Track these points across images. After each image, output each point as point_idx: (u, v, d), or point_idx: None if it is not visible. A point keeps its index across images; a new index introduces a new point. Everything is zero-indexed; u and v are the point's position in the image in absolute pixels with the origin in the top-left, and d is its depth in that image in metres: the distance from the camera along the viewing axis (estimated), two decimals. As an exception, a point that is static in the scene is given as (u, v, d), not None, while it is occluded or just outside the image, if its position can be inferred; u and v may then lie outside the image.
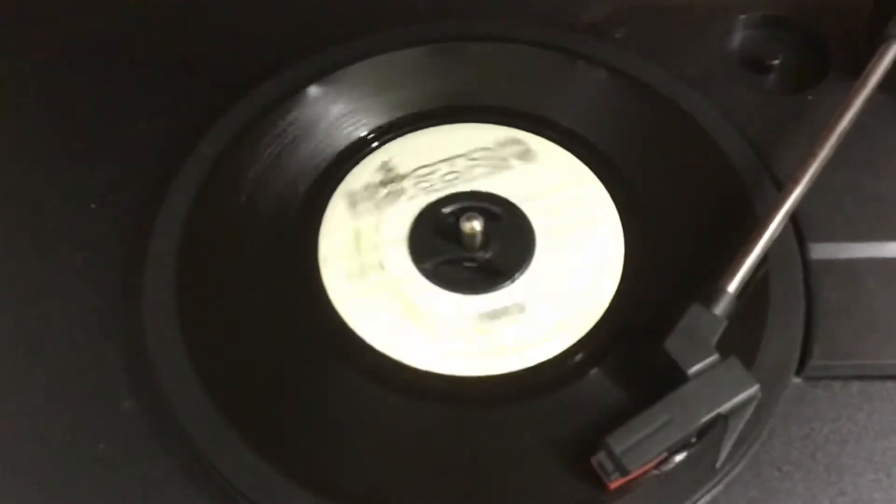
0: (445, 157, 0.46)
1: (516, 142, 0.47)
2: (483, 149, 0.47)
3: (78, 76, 0.51)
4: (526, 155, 0.47)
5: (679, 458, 0.36)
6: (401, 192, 0.45)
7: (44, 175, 0.47)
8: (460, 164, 0.46)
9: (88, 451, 0.39)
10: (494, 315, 0.42)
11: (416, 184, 0.45)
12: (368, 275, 0.43)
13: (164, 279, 0.41)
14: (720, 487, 0.37)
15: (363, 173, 0.46)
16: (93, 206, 0.46)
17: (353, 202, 0.45)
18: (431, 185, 0.45)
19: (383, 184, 0.46)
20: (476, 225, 0.42)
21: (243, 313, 0.42)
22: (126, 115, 0.49)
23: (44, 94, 0.50)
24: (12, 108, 0.50)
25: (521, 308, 0.42)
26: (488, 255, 0.43)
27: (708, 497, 0.37)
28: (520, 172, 0.46)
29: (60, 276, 0.43)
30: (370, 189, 0.45)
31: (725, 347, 0.37)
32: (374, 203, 0.45)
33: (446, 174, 0.46)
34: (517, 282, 0.42)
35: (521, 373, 0.40)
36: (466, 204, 0.44)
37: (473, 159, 0.46)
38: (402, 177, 0.46)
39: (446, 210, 0.44)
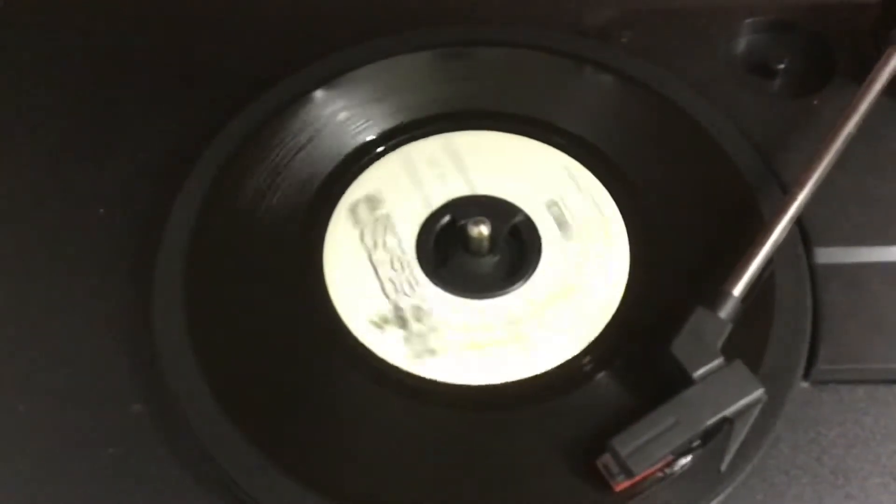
0: (451, 161, 0.47)
1: (521, 147, 0.47)
2: (488, 154, 0.47)
3: (85, 81, 0.51)
4: (531, 159, 0.47)
5: (684, 461, 0.36)
6: (407, 197, 0.45)
7: (52, 180, 0.47)
8: (466, 167, 0.46)
9: (97, 455, 0.39)
10: (500, 320, 0.42)
11: (421, 188, 0.46)
12: (375, 280, 0.43)
13: (172, 284, 0.41)
14: (727, 491, 0.37)
15: (370, 178, 0.46)
16: (101, 211, 0.46)
17: (359, 207, 0.45)
18: (438, 190, 0.45)
19: (390, 189, 0.46)
20: (483, 229, 0.42)
21: (251, 318, 0.42)
22: (133, 121, 0.49)
23: (51, 99, 0.50)
24: (20, 112, 0.50)
25: (526, 313, 0.42)
26: (495, 259, 0.43)
27: (715, 501, 0.37)
28: (526, 177, 0.46)
29: (69, 281, 0.43)
30: (376, 194, 0.46)
31: (732, 351, 0.37)
32: (381, 208, 0.45)
33: (452, 178, 0.46)
34: (523, 287, 0.42)
35: (527, 379, 0.40)
36: (473, 208, 0.44)
37: (480, 164, 0.46)
38: (408, 181, 0.46)
39: (453, 214, 0.44)
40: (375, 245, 0.44)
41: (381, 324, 0.41)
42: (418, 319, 0.42)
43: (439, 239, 0.44)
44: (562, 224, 0.44)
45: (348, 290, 0.43)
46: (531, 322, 0.41)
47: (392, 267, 0.43)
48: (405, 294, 0.42)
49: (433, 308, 0.42)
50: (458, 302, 0.42)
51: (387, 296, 0.42)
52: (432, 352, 0.41)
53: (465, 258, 0.43)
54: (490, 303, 0.42)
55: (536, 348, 0.41)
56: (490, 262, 0.43)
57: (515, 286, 0.42)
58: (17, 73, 0.52)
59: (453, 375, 0.40)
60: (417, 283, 0.43)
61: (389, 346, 0.41)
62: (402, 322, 0.41)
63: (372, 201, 0.45)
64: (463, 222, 0.43)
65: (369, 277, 0.43)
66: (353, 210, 0.45)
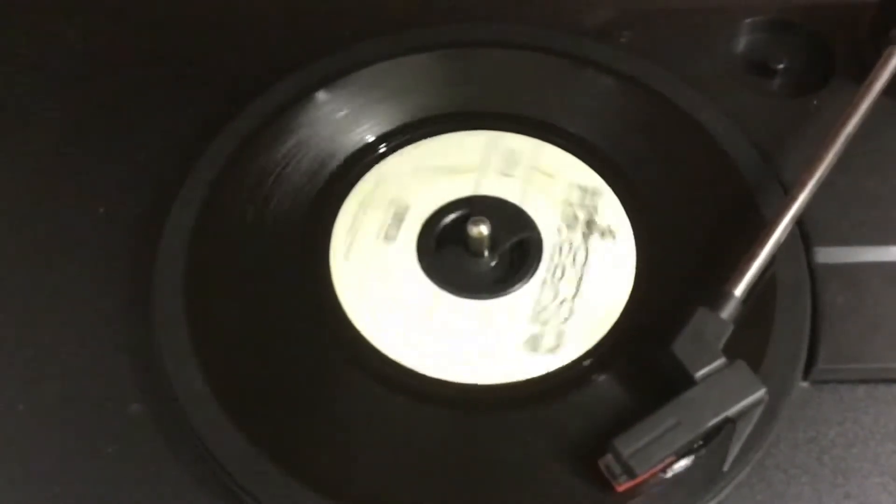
0: (454, 162, 0.46)
1: (524, 147, 0.47)
2: (491, 154, 0.47)
3: (85, 81, 0.51)
4: (534, 160, 0.47)
5: (686, 461, 0.36)
6: (410, 197, 0.45)
7: (52, 180, 0.47)
8: (469, 169, 0.46)
9: (97, 454, 0.39)
10: (503, 320, 0.42)
11: (423, 189, 0.45)
12: (379, 280, 0.43)
13: (173, 282, 0.41)
14: (727, 491, 0.37)
15: (372, 179, 0.46)
16: (101, 210, 0.46)
17: (363, 207, 0.45)
18: (439, 190, 0.45)
19: (394, 189, 0.46)
20: (483, 229, 0.42)
21: (252, 317, 0.42)
22: (134, 119, 0.49)
23: (51, 99, 0.50)
24: (20, 112, 0.50)
25: (530, 314, 0.42)
26: (496, 260, 0.43)
27: (715, 501, 0.37)
28: (527, 178, 0.46)
29: (69, 281, 0.43)
30: (380, 193, 0.45)
31: (732, 351, 0.37)
32: (384, 208, 0.45)
33: (456, 179, 0.46)
34: (525, 288, 0.42)
35: (531, 380, 0.40)
36: (474, 209, 0.44)
37: (482, 164, 0.46)
38: (410, 182, 0.46)
39: (454, 215, 0.44)
40: (380, 244, 0.44)
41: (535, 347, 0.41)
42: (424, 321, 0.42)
43: (442, 239, 0.44)
44: (564, 223, 0.44)
45: (354, 290, 0.43)
46: (534, 321, 0.41)
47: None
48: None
49: (437, 309, 0.42)
50: (459, 302, 0.42)
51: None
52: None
53: (466, 258, 0.43)
54: (493, 303, 0.42)
55: (540, 348, 0.41)
56: (490, 262, 0.43)
57: (517, 287, 0.42)
58: (17, 73, 0.51)
59: (457, 374, 0.40)
60: (422, 284, 0.43)
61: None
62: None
63: (376, 201, 0.45)
64: (464, 222, 0.43)
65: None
66: (358, 209, 0.45)
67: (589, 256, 0.43)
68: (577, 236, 0.44)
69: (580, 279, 0.42)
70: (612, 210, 0.45)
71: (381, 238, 0.44)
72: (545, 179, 0.46)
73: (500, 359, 0.41)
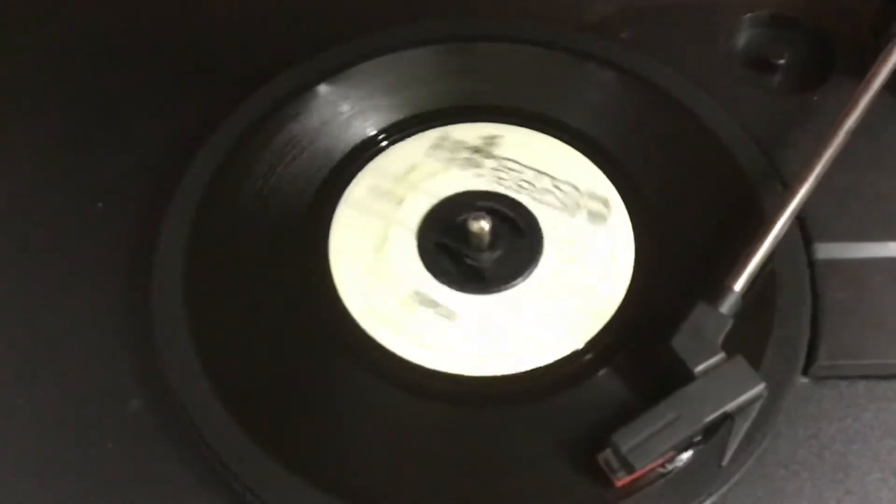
0: (454, 156, 0.46)
1: (522, 140, 0.47)
2: (490, 147, 0.47)
3: (84, 73, 0.51)
4: (534, 155, 0.47)
5: (685, 456, 0.36)
6: (409, 191, 0.45)
7: (50, 175, 0.47)
8: (470, 163, 0.46)
9: (96, 449, 0.39)
10: (503, 314, 0.42)
11: (424, 183, 0.45)
12: (378, 274, 0.43)
13: (172, 277, 0.41)
14: (727, 486, 0.37)
15: (372, 172, 0.46)
16: (100, 204, 0.46)
17: (362, 201, 0.45)
18: (440, 185, 0.45)
19: (393, 183, 0.46)
20: (484, 224, 0.42)
21: (252, 311, 0.42)
22: (133, 113, 0.49)
23: (49, 93, 0.50)
24: (18, 107, 0.50)
25: (530, 308, 0.42)
26: (496, 254, 0.43)
27: (715, 496, 0.37)
28: (528, 173, 0.46)
29: (68, 275, 0.43)
30: (379, 188, 0.45)
31: (732, 347, 0.37)
32: (384, 202, 0.45)
33: (455, 173, 0.46)
34: (526, 282, 0.42)
35: (529, 373, 0.40)
36: (474, 203, 0.44)
37: (484, 159, 0.46)
38: (412, 177, 0.46)
39: (454, 209, 0.44)
40: (380, 238, 0.44)
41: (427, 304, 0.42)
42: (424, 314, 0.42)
43: (442, 233, 0.44)
44: (564, 218, 0.44)
45: (353, 279, 0.43)
46: (532, 316, 0.41)
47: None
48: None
49: (437, 303, 0.42)
50: (460, 297, 0.42)
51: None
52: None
53: (466, 253, 0.43)
54: (493, 297, 0.42)
55: (538, 343, 0.41)
56: (491, 256, 0.43)
57: (518, 281, 0.42)
58: (15, 69, 0.51)
59: (456, 366, 0.40)
60: (422, 277, 0.43)
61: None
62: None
63: (376, 194, 0.45)
64: (464, 217, 0.43)
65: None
66: (358, 202, 0.45)
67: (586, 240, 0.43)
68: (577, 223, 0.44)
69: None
70: (610, 204, 0.45)
71: (382, 232, 0.44)
72: (543, 176, 0.46)
73: (500, 353, 0.40)
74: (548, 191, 0.45)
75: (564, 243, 0.43)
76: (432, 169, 0.46)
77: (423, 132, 0.47)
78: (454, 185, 0.45)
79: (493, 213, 0.43)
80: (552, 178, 0.45)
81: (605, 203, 0.45)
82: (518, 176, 0.46)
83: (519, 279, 0.42)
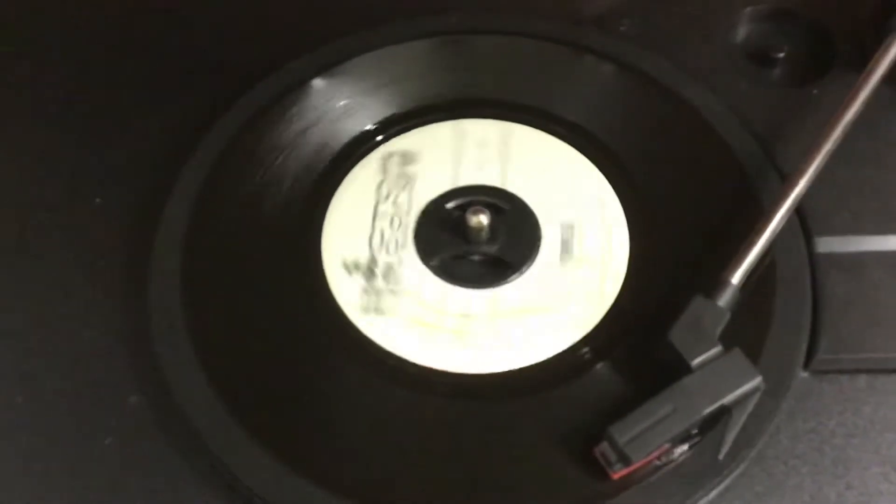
0: (451, 150, 0.46)
1: (521, 136, 0.47)
2: (488, 142, 0.47)
3: (80, 69, 0.51)
4: (530, 149, 0.46)
5: (683, 449, 0.36)
6: (406, 186, 0.45)
7: (48, 170, 0.47)
8: (466, 157, 0.46)
9: (95, 446, 0.39)
10: (500, 310, 0.41)
11: (421, 178, 0.45)
12: (374, 270, 0.43)
13: (169, 274, 0.41)
14: (727, 481, 0.37)
15: (368, 168, 0.46)
16: (98, 200, 0.46)
17: (357, 196, 0.45)
18: (436, 180, 0.45)
19: (387, 179, 0.46)
20: (482, 219, 0.42)
21: (249, 308, 0.42)
22: (129, 110, 0.49)
23: (47, 89, 0.50)
24: (16, 103, 0.50)
25: (526, 303, 0.42)
26: (494, 249, 0.43)
27: (715, 491, 0.37)
28: (524, 166, 0.46)
29: (66, 272, 0.43)
30: (374, 183, 0.45)
31: (733, 341, 0.37)
32: (379, 197, 0.45)
33: (451, 168, 0.46)
34: (523, 276, 0.42)
35: (526, 369, 0.40)
36: (472, 198, 0.44)
37: (479, 153, 0.46)
38: (408, 171, 0.46)
39: (452, 204, 0.44)
40: (387, 196, 0.44)
41: (350, 268, 0.42)
42: (385, 277, 0.42)
43: (438, 228, 0.44)
44: (560, 212, 0.44)
45: (340, 234, 0.43)
46: (530, 311, 0.41)
47: (390, 223, 0.43)
48: (386, 251, 0.43)
49: (404, 273, 0.42)
50: (457, 292, 0.42)
51: (370, 246, 0.43)
52: (379, 311, 0.41)
53: (464, 247, 0.43)
54: (490, 292, 0.42)
55: (535, 338, 0.41)
56: (489, 251, 0.43)
57: (515, 275, 0.42)
58: (13, 64, 0.51)
59: (453, 363, 0.40)
60: (404, 246, 0.43)
61: (346, 294, 0.42)
62: (369, 274, 0.42)
63: (371, 190, 0.45)
64: (462, 212, 0.43)
65: (364, 224, 0.44)
66: (353, 198, 0.45)
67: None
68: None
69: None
70: (608, 199, 0.45)
71: (378, 227, 0.44)
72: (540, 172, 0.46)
73: (496, 348, 0.40)
74: (544, 184, 0.45)
75: (561, 238, 0.43)
76: (429, 164, 0.46)
77: (419, 126, 0.47)
78: (451, 180, 0.45)
79: (490, 208, 0.43)
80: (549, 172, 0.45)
81: (600, 196, 0.44)
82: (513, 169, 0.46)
83: (516, 274, 0.42)
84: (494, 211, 0.43)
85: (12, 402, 0.40)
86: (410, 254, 0.43)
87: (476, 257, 0.43)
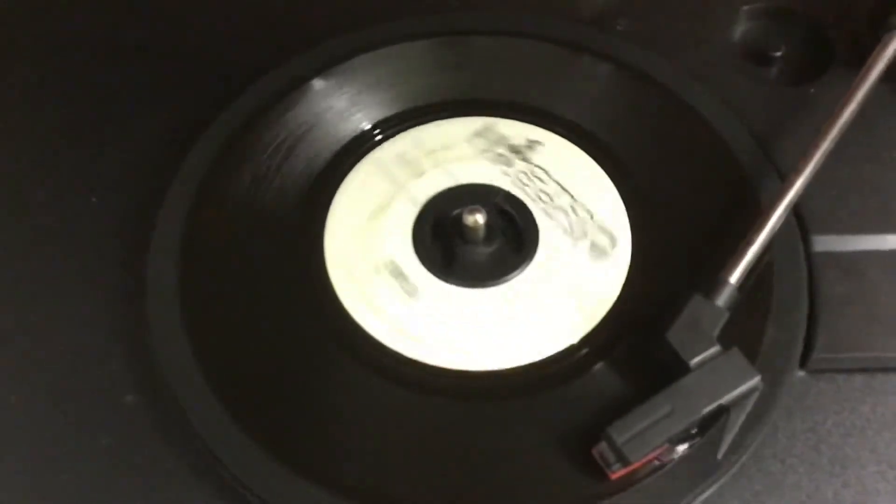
0: (450, 149, 0.46)
1: (520, 135, 0.47)
2: (487, 142, 0.47)
3: (78, 68, 0.51)
4: (530, 148, 0.46)
5: (681, 449, 0.36)
6: (405, 185, 0.45)
7: (44, 169, 0.47)
8: (465, 157, 0.46)
9: (91, 445, 0.39)
10: (499, 309, 0.41)
11: (420, 177, 0.45)
12: (375, 269, 0.43)
13: (166, 272, 0.41)
14: (724, 480, 0.37)
15: (367, 167, 0.46)
16: (94, 199, 0.45)
17: (358, 195, 0.45)
18: (436, 179, 0.45)
19: (387, 177, 0.46)
20: (479, 218, 0.42)
21: (247, 307, 0.42)
22: (127, 109, 0.49)
23: (44, 88, 0.50)
24: (12, 102, 0.50)
25: (526, 302, 0.42)
26: (492, 248, 0.43)
27: (712, 490, 0.37)
28: (523, 166, 0.46)
29: (62, 271, 0.43)
30: (373, 183, 0.45)
31: (729, 340, 0.37)
32: (379, 196, 0.45)
33: (451, 167, 0.46)
34: (521, 276, 0.42)
35: (525, 367, 0.40)
36: (470, 197, 0.44)
37: (478, 152, 0.46)
38: (407, 170, 0.46)
39: (449, 203, 0.44)
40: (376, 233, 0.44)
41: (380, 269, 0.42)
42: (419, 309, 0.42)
43: (437, 227, 0.44)
44: (559, 211, 0.44)
45: (349, 279, 0.43)
46: (528, 311, 0.41)
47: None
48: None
49: (432, 297, 0.42)
50: (455, 291, 0.42)
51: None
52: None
53: (462, 246, 0.43)
54: (489, 291, 0.42)
55: (533, 337, 0.41)
56: (486, 250, 0.43)
57: (512, 275, 0.42)
58: (9, 63, 0.51)
59: (453, 361, 0.40)
60: (417, 271, 0.43)
61: (345, 294, 0.42)
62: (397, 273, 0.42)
63: (371, 188, 0.45)
64: (459, 211, 0.43)
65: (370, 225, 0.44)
66: (353, 197, 0.45)
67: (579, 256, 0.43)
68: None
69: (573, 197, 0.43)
70: (607, 198, 0.45)
71: (378, 227, 0.44)
72: (541, 174, 0.45)
73: (496, 347, 0.40)
74: (543, 183, 0.45)
75: (559, 237, 0.43)
76: (428, 163, 0.46)
77: (418, 126, 0.47)
78: (451, 179, 0.45)
79: (488, 207, 0.43)
80: (572, 197, 0.45)
81: (612, 239, 0.44)
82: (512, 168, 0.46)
83: (514, 273, 0.42)
84: (492, 210, 0.43)
85: (8, 403, 0.40)
86: (410, 253, 0.43)
87: (474, 257, 0.43)
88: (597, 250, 0.43)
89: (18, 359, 0.41)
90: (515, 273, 0.42)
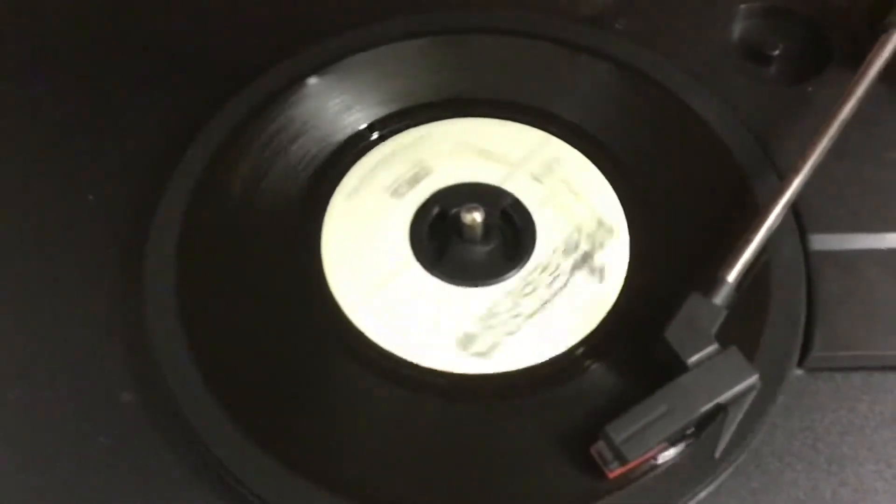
0: (446, 150, 0.46)
1: (518, 134, 0.47)
2: (484, 141, 0.47)
3: (75, 67, 0.51)
4: (528, 147, 0.46)
5: (679, 447, 0.36)
6: (401, 185, 0.45)
7: (41, 167, 0.47)
8: (462, 156, 0.46)
9: (88, 443, 0.39)
10: (498, 309, 0.41)
11: (416, 177, 0.45)
12: (371, 269, 0.43)
13: (163, 271, 0.41)
14: (722, 478, 0.37)
15: (363, 167, 0.46)
16: (90, 198, 0.45)
17: (354, 196, 0.45)
18: (434, 178, 0.45)
19: (384, 177, 0.45)
20: (477, 217, 0.42)
21: (244, 306, 0.42)
22: (123, 107, 0.49)
23: (40, 87, 0.50)
24: (10, 101, 0.50)
25: (523, 302, 0.42)
26: (489, 247, 0.43)
27: (710, 488, 0.37)
28: (521, 165, 0.46)
29: (58, 269, 0.43)
30: (370, 183, 0.45)
31: (727, 338, 0.37)
32: (376, 196, 0.45)
33: (448, 167, 0.46)
34: (518, 276, 0.42)
35: (524, 369, 0.40)
36: (467, 196, 0.44)
37: (475, 152, 0.46)
38: (403, 169, 0.46)
39: (447, 202, 0.44)
40: (373, 232, 0.44)
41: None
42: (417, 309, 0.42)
43: (434, 227, 0.44)
44: (557, 210, 0.44)
45: (346, 279, 0.42)
46: (528, 311, 0.41)
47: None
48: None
49: (430, 298, 0.42)
50: (453, 291, 0.42)
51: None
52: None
53: (459, 246, 0.43)
54: (486, 290, 0.42)
55: (532, 337, 0.41)
56: (484, 249, 0.43)
57: (510, 275, 0.42)
58: (6, 62, 0.51)
59: (450, 363, 0.40)
60: (414, 272, 0.43)
61: (343, 291, 0.42)
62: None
63: (367, 189, 0.45)
64: (457, 210, 0.43)
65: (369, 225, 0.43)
66: (350, 197, 0.45)
67: (567, 286, 0.42)
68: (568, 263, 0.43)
69: (546, 302, 0.42)
70: (607, 197, 0.45)
71: (375, 226, 0.44)
72: (569, 196, 0.45)
73: (496, 347, 0.40)
74: (541, 182, 0.45)
75: (557, 236, 0.43)
76: (425, 162, 0.46)
77: (414, 126, 0.47)
78: (448, 178, 0.45)
79: (485, 206, 0.43)
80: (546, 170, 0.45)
81: (611, 236, 0.44)
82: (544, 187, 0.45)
83: (511, 273, 0.42)
84: (490, 209, 0.43)
85: (5, 399, 0.40)
86: (408, 253, 0.43)
87: (472, 256, 0.43)
88: (596, 251, 0.43)
89: (16, 356, 0.41)
90: (515, 273, 0.42)
